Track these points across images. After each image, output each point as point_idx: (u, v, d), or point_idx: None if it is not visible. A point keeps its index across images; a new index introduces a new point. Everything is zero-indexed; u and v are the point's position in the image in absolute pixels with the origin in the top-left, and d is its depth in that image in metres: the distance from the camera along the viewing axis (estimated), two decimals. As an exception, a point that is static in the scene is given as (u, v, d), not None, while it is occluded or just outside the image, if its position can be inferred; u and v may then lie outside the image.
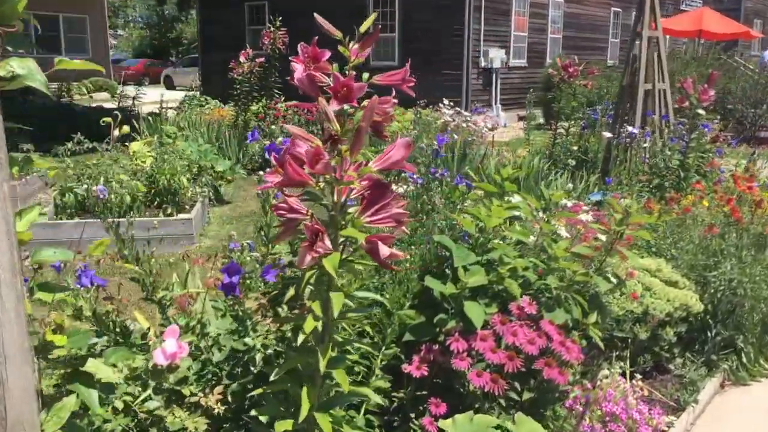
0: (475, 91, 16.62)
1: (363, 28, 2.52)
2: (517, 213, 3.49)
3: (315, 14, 2.40)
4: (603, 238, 3.43)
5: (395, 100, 2.34)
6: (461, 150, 8.15)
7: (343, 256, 1.82)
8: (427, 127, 8.91)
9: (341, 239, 1.83)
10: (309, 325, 1.71)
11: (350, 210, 1.82)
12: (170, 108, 12.97)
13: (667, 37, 25.52)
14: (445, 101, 9.03)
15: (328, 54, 2.21)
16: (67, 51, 24.79)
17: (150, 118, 10.75)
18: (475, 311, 2.84)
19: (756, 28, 32.18)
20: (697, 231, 3.98)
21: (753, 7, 34.62)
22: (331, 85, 2.18)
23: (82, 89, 23.49)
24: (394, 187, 4.28)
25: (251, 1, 19.64)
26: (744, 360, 3.83)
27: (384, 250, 1.72)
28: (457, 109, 8.63)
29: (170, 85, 31.93)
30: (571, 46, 20.10)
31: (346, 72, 2.45)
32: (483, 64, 16.61)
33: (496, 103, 17.19)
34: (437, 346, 2.88)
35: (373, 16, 2.41)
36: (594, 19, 21.42)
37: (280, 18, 10.38)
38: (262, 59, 10.22)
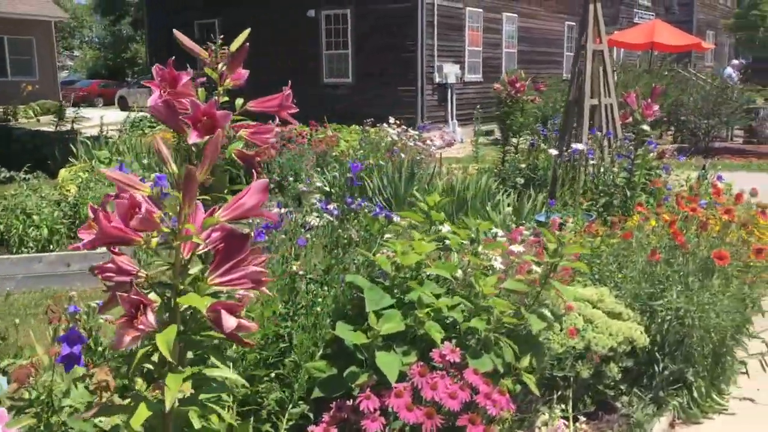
0: (430, 106, 16.43)
1: (234, 46, 2.20)
2: (459, 241, 3.20)
3: (174, 30, 2.08)
4: (539, 269, 3.15)
5: (278, 129, 1.99)
6: (409, 170, 7.86)
7: (185, 328, 1.48)
8: (375, 147, 8.62)
9: (183, 307, 1.49)
10: (137, 419, 1.36)
11: (192, 271, 1.48)
12: (116, 130, 12.50)
13: (621, 50, 25.79)
14: (390, 119, 8.75)
15: (186, 77, 1.88)
16: (12, 74, 24.03)
17: (89, 141, 10.29)
18: (388, 363, 2.51)
19: (708, 40, 32.71)
20: (641, 257, 3.72)
21: (705, 19, 35.27)
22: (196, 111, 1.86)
23: (29, 112, 22.75)
24: (309, 218, 3.95)
25: (201, 20, 19.23)
26: (695, 395, 3.56)
27: (229, 322, 1.38)
28: (403, 127, 8.36)
29: (124, 106, 31.22)
30: (527, 60, 20.07)
31: (215, 97, 2.12)
32: (438, 79, 16.44)
33: (452, 119, 17.01)
34: (350, 403, 2.55)
35: (245, 33, 2.10)
36: (548, 33, 21.47)
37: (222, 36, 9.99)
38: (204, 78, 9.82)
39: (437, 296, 2.80)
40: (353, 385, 2.56)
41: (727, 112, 13.75)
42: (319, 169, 8.75)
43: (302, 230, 3.38)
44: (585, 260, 3.95)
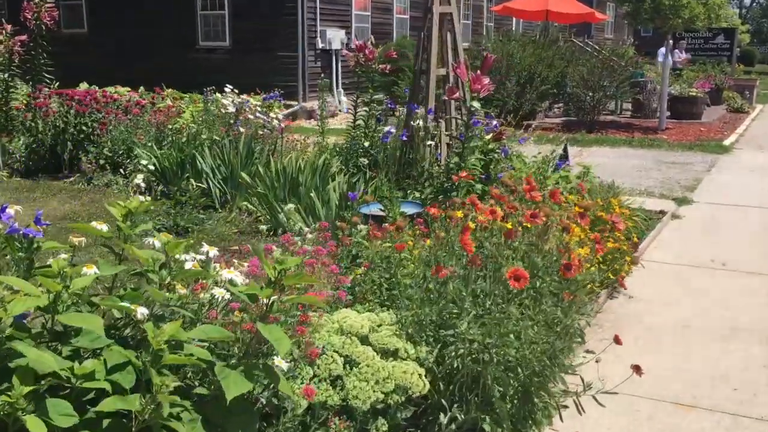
0: (313, 74, 15.39)
1: None
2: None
3: None
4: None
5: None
6: (246, 146, 6.90)
7: None
8: (217, 120, 7.59)
9: None
10: None
11: None
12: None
13: (521, 21, 25.39)
14: (228, 87, 7.72)
15: None
16: None
17: None
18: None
19: (610, 12, 32.86)
20: (427, 271, 2.94)
21: (605, -10, 35.38)
22: None
23: None
24: None
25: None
26: (493, 447, 2.84)
27: None
28: (243, 97, 7.37)
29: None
30: (420, 27, 19.22)
31: None
32: (321, 45, 15.39)
33: (337, 88, 16.04)
34: None
35: None
36: (444, -1, 20.69)
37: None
38: (25, 37, 8.50)
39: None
40: None
41: (612, 85, 13.39)
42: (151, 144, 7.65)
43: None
44: (377, 271, 3.15)
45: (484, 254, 2.93)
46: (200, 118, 7.58)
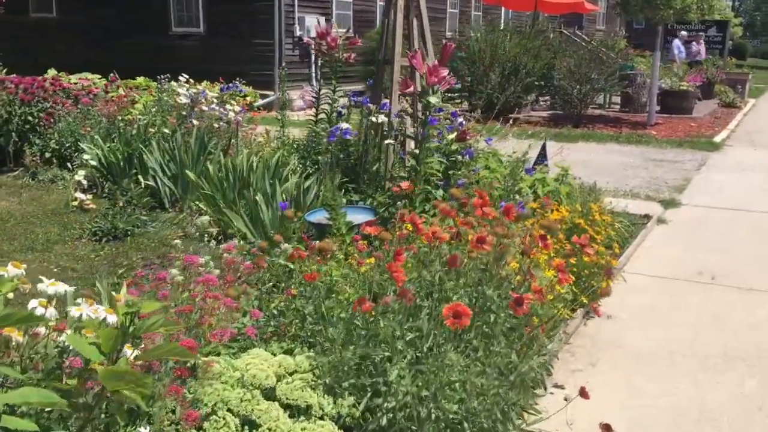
0: (291, 63, 14.78)
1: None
2: None
3: None
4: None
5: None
6: (198, 141, 6.34)
7: None
8: (171, 111, 7.01)
9: None
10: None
11: None
12: None
13: (510, 12, 24.78)
14: (183, 77, 7.14)
15: None
16: None
17: None
18: None
19: (601, 3, 32.29)
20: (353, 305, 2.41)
21: (597, -19, 34.80)
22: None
23: None
24: None
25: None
26: None
27: None
28: (198, 87, 6.79)
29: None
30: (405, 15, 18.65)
31: None
32: (299, 33, 14.78)
33: (317, 77, 15.44)
34: None
35: None
36: (430, -13, 20.08)
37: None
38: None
39: None
40: None
41: (600, 78, 12.87)
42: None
43: None
44: (300, 300, 2.63)
45: (422, 284, 2.41)
46: (152, 109, 7.00)
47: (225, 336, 2.30)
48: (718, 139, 11.50)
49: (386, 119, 4.41)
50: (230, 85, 7.77)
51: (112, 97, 7.70)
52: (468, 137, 4.03)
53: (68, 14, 16.52)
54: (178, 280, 2.51)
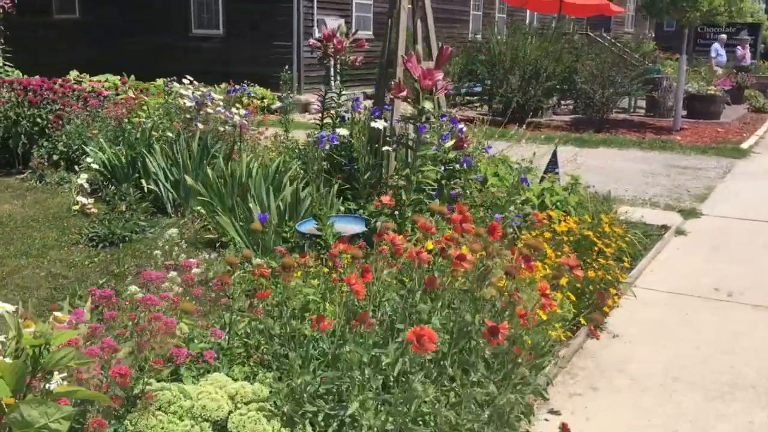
0: (309, 65, 14.70)
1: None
2: None
3: None
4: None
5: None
6: (201, 145, 6.23)
7: None
8: (178, 114, 6.92)
9: None
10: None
11: None
12: None
13: (535, 14, 24.41)
14: (187, 78, 7.04)
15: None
16: None
17: None
18: None
19: (629, 5, 31.76)
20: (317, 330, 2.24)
21: (626, -17, 34.23)
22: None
23: None
24: None
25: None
26: None
27: None
28: (204, 90, 6.68)
29: None
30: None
31: None
32: (318, 34, 14.65)
33: (335, 81, 15.28)
34: None
35: None
36: (452, -12, 19.88)
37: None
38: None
39: None
40: None
41: (623, 82, 12.54)
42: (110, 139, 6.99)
43: None
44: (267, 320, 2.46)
45: (393, 306, 2.23)
46: (157, 112, 6.91)
47: (181, 357, 2.15)
48: (745, 145, 11.12)
49: (385, 125, 4.23)
50: (237, 87, 7.65)
51: (120, 99, 7.63)
52: (466, 145, 3.83)
53: (90, 16, 16.65)
54: (137, 298, 2.36)
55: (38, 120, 7.52)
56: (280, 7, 14.37)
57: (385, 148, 4.18)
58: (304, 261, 2.93)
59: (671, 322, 4.21)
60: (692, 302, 4.53)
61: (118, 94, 8.01)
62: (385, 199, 2.83)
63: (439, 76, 3.54)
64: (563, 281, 3.82)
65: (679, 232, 6.08)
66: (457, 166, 3.79)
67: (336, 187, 4.73)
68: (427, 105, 3.51)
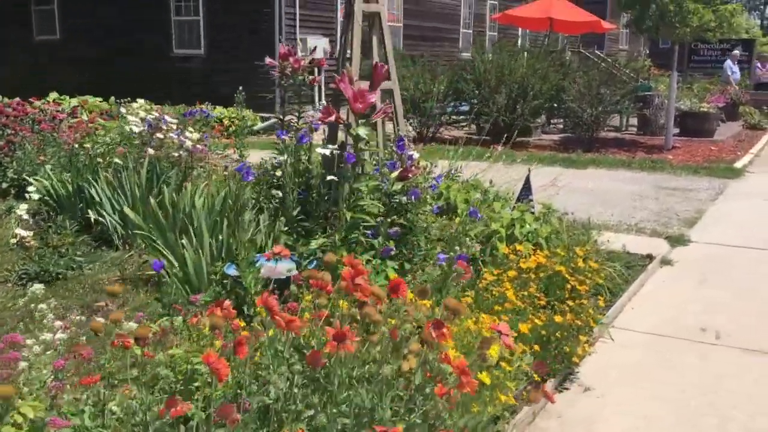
0: (294, 85, 14.29)
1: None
2: None
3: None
4: None
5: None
6: (151, 172, 5.80)
7: None
8: (131, 138, 6.49)
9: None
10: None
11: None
12: None
13: (527, 32, 24.11)
14: (138, 102, 6.63)
15: None
16: None
17: None
18: None
19: (622, 21, 31.47)
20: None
21: (619, 1, 33.94)
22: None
23: None
24: None
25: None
26: None
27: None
28: (155, 114, 6.26)
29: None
30: (416, 36, 18.19)
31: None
32: (301, 54, 14.30)
33: (320, 100, 14.93)
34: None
35: None
36: (441, 6, 19.59)
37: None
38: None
39: None
40: None
41: (612, 100, 12.15)
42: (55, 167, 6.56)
43: None
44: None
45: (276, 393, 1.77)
46: (107, 137, 6.48)
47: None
48: (739, 164, 10.70)
49: (325, 152, 3.80)
50: (194, 110, 7.24)
51: (71, 123, 7.22)
52: (411, 175, 3.39)
53: (71, 37, 16.35)
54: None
55: (-12, 145, 7.11)
56: (263, 26, 14.04)
57: (330, 177, 3.75)
58: (222, 313, 2.47)
59: (651, 370, 3.75)
60: (676, 345, 4.07)
61: (75, 117, 7.59)
62: (277, 248, 2.38)
63: (372, 98, 3.12)
64: (524, 328, 3.38)
65: (665, 262, 5.63)
66: (404, 198, 3.36)
67: (283, 220, 4.28)
68: (361, 131, 3.09)
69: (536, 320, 3.42)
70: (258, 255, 3.43)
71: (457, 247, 3.24)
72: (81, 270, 5.03)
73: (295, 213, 3.53)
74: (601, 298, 4.25)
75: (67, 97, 13.92)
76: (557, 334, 3.50)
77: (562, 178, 8.46)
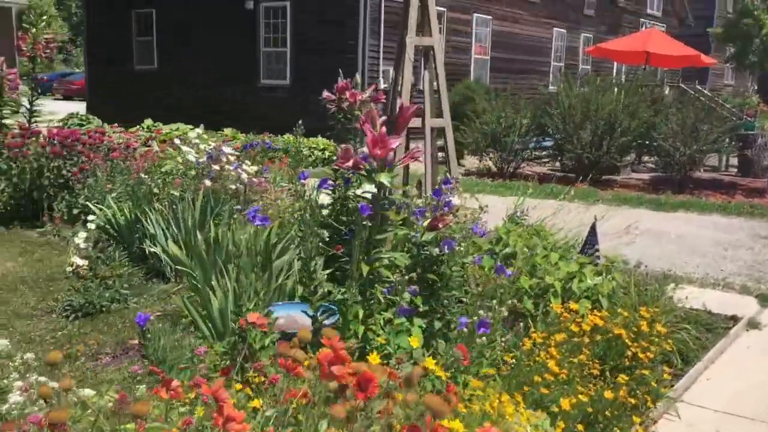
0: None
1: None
2: None
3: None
4: None
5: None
6: (203, 205, 5.74)
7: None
8: (187, 170, 6.49)
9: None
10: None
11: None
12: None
13: (623, 66, 23.23)
14: (196, 131, 6.60)
15: None
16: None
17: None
18: None
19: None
20: None
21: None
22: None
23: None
24: None
25: (138, 9, 17.35)
26: None
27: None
28: (214, 145, 6.21)
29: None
30: (503, 68, 17.84)
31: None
32: (383, 85, 14.24)
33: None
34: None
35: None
36: (532, 39, 19.16)
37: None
38: (15, 71, 7.85)
39: None
40: None
41: (709, 139, 11.36)
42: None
43: None
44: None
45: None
46: (163, 168, 6.50)
47: None
48: None
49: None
50: (255, 142, 7.17)
51: (142, 152, 7.32)
52: (442, 225, 3.07)
53: (166, 67, 17.02)
54: None
55: (63, 172, 7.30)
56: (346, 58, 14.10)
57: (364, 223, 3.49)
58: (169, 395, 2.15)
59: (720, 459, 3.25)
60: (754, 430, 3.52)
61: (147, 146, 7.72)
62: (252, 316, 2.11)
63: (394, 143, 2.84)
64: (566, 404, 2.98)
65: (752, 325, 5.02)
66: (436, 250, 3.05)
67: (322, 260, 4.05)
68: (383, 178, 2.82)
69: (581, 395, 3.01)
70: (275, 304, 3.20)
71: (481, 311, 2.88)
72: (126, 303, 4.97)
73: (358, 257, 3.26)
74: (666, 369, 3.75)
75: (161, 124, 14.42)
76: (606, 412, 3.08)
77: (645, 221, 7.88)
